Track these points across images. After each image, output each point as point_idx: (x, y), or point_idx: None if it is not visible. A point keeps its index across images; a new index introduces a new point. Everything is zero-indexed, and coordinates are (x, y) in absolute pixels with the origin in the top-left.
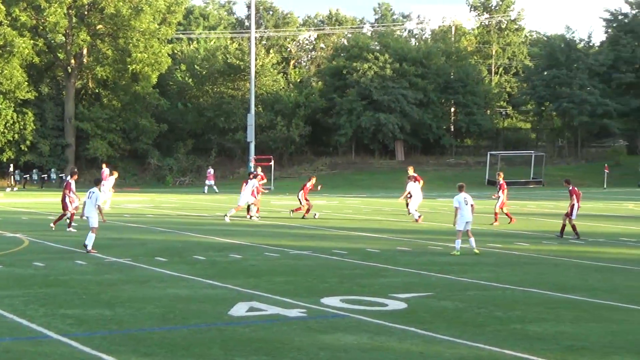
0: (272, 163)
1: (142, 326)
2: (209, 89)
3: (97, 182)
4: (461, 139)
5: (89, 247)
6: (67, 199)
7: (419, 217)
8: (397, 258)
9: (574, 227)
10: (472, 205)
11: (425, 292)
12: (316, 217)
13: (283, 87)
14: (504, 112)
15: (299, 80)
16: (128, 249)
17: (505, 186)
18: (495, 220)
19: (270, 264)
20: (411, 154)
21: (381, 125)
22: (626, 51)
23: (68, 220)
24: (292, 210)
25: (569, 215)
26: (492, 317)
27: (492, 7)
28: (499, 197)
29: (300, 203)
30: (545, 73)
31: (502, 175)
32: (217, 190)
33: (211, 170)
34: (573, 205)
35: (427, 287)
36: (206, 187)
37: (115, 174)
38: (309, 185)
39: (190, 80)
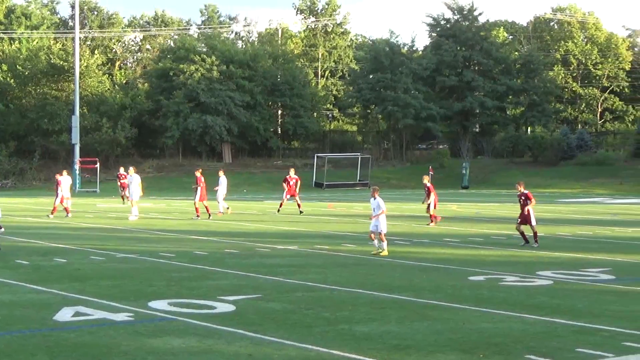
0: (97, 165)
1: None
2: (31, 90)
3: None
4: (288, 141)
5: None
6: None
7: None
8: (225, 260)
9: (525, 234)
10: (382, 211)
11: (254, 294)
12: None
13: (108, 89)
14: (330, 115)
15: (124, 81)
16: None
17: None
18: (433, 219)
19: (96, 267)
20: (239, 156)
21: (208, 127)
22: (448, 55)
23: None
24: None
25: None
26: (320, 317)
27: (318, 11)
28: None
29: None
30: (371, 76)
31: (428, 177)
32: None
33: None
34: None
35: (255, 289)
36: None
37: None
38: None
39: (12, 80)
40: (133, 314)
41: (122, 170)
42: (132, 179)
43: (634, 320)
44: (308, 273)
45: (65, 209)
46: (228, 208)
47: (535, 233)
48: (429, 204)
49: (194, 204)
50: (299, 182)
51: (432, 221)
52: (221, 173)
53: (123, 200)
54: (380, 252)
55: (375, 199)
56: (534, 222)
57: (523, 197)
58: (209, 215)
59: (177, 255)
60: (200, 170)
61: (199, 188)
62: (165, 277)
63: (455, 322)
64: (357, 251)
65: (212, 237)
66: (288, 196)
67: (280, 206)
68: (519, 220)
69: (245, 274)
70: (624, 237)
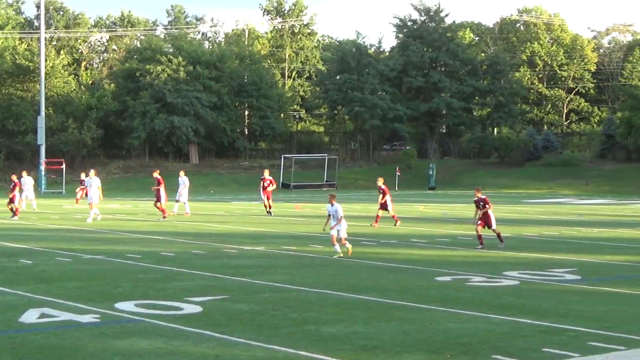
0: (63, 166)
1: None
2: None
3: None
4: (255, 142)
5: None
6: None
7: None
8: (192, 261)
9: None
10: (340, 217)
11: (221, 295)
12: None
13: (74, 89)
14: (297, 116)
15: (90, 82)
16: None
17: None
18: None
19: (62, 269)
20: (205, 157)
21: (175, 128)
22: (415, 56)
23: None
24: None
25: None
26: (287, 318)
27: (285, 12)
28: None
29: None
30: (338, 77)
31: (382, 179)
32: None
33: None
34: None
35: (222, 290)
36: None
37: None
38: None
39: None
40: (99, 315)
41: (82, 176)
42: (92, 181)
43: (599, 320)
44: (275, 274)
45: (12, 210)
46: (173, 213)
47: (498, 234)
48: (381, 203)
49: (160, 205)
50: (272, 184)
51: (396, 221)
52: (182, 174)
53: (77, 201)
54: (347, 252)
55: (332, 205)
56: (494, 225)
57: (482, 203)
58: (164, 216)
59: (143, 257)
60: (158, 171)
61: (160, 189)
62: (132, 278)
63: (422, 322)
64: (325, 252)
65: (179, 238)
66: (264, 196)
67: (265, 207)
68: (479, 222)
69: (212, 275)
70: (590, 237)
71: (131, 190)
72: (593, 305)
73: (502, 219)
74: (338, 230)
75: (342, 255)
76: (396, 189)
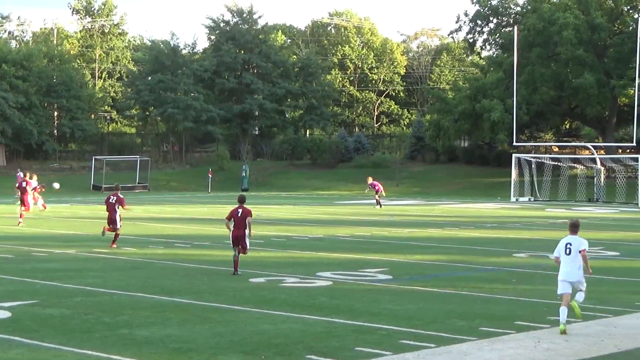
0: None
1: None
2: None
3: None
4: (65, 143)
5: None
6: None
7: None
8: None
9: None
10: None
11: (31, 299)
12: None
13: None
14: (108, 117)
15: None
16: None
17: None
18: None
19: None
20: (14, 159)
21: None
22: (228, 57)
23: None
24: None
25: None
26: (100, 322)
27: (95, 11)
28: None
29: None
30: (150, 78)
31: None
32: None
33: None
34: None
35: (32, 295)
36: None
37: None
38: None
39: None
40: None
41: None
42: None
43: (411, 318)
44: (87, 277)
45: None
46: None
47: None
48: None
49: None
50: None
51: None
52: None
53: None
54: None
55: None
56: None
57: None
58: None
59: None
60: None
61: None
62: None
63: (236, 324)
64: (136, 254)
65: None
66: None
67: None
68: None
69: (21, 279)
70: (400, 237)
71: None
72: (404, 304)
73: (315, 220)
74: None
75: None
76: (209, 191)
